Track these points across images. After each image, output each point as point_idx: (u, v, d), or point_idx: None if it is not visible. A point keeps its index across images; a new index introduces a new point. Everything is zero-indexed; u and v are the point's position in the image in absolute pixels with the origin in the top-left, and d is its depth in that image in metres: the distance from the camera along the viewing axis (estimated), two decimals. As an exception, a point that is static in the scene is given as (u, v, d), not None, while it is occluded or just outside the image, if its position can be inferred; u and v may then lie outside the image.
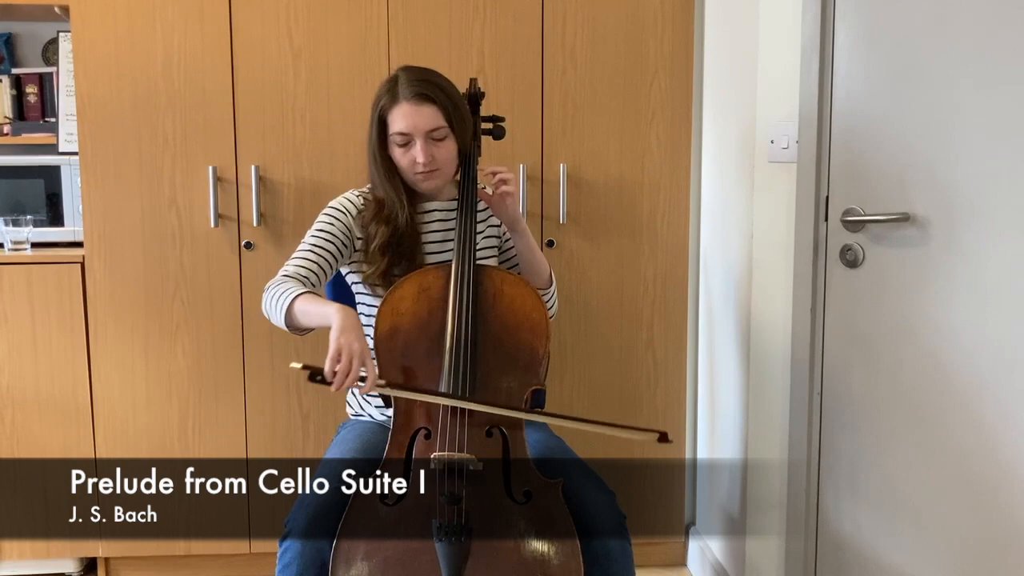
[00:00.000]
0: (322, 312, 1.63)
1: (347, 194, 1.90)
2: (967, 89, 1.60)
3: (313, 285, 1.76)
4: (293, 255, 1.81)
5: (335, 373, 1.55)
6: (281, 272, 1.77)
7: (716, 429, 2.53)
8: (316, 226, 1.85)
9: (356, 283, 1.90)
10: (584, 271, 2.50)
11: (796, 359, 1.99)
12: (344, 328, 1.57)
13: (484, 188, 1.89)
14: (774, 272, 2.10)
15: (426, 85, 1.77)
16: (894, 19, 1.74)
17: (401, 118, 1.76)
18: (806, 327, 1.94)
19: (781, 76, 2.02)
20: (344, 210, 1.86)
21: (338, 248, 1.82)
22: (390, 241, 1.81)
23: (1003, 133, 1.54)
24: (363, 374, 1.57)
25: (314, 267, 1.78)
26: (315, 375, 1.58)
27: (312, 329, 1.71)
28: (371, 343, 1.78)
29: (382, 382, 1.61)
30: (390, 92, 1.78)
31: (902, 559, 1.77)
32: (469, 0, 2.39)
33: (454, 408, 1.64)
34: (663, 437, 1.67)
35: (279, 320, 1.70)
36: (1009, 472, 1.54)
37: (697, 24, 2.48)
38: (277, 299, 1.69)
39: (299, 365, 1.58)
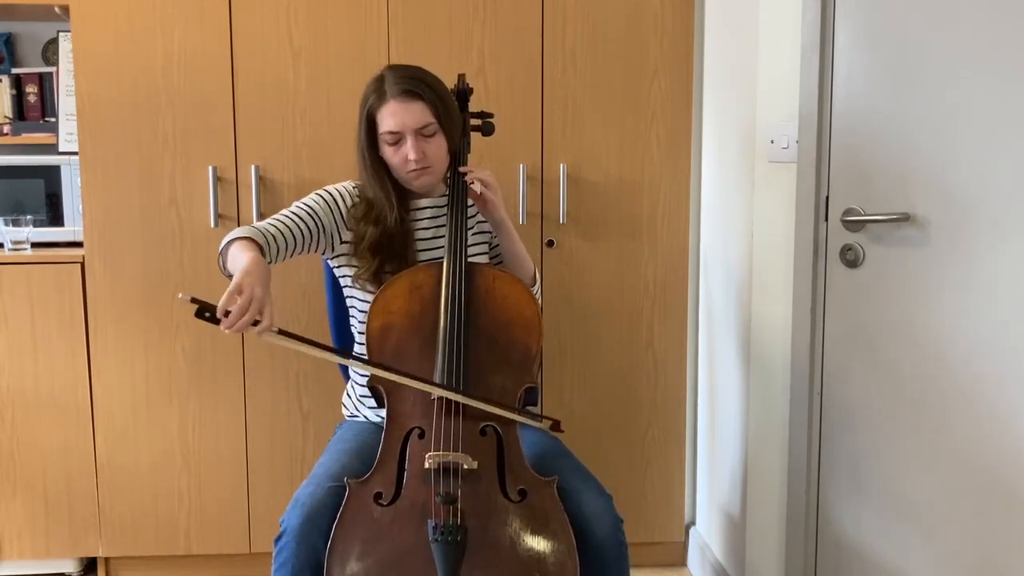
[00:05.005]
0: (242, 258, 1.57)
1: (345, 184, 1.91)
2: (967, 89, 1.59)
3: (277, 249, 1.74)
4: (272, 216, 1.81)
5: (228, 312, 1.44)
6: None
7: (716, 429, 2.52)
8: (305, 201, 1.86)
9: (345, 276, 1.90)
10: (584, 271, 2.50)
11: (796, 359, 1.98)
12: (249, 271, 1.50)
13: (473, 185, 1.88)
14: (774, 272, 2.10)
15: (414, 82, 1.76)
16: (894, 19, 1.73)
17: (390, 116, 1.75)
18: (806, 327, 1.93)
19: (781, 76, 2.02)
20: (339, 198, 1.87)
21: (317, 228, 1.82)
22: (380, 241, 1.80)
23: (1003, 133, 1.53)
24: (258, 319, 1.48)
25: (285, 231, 1.76)
26: (204, 311, 1.44)
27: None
28: (363, 339, 1.77)
29: (275, 329, 1.50)
30: (377, 91, 1.77)
31: (902, 559, 1.76)
32: (469, 0, 2.39)
33: (448, 407, 1.63)
34: (555, 426, 1.73)
35: (218, 257, 1.68)
36: (1010, 472, 1.53)
37: (697, 24, 2.47)
38: (227, 238, 1.69)
39: (187, 297, 1.43)
